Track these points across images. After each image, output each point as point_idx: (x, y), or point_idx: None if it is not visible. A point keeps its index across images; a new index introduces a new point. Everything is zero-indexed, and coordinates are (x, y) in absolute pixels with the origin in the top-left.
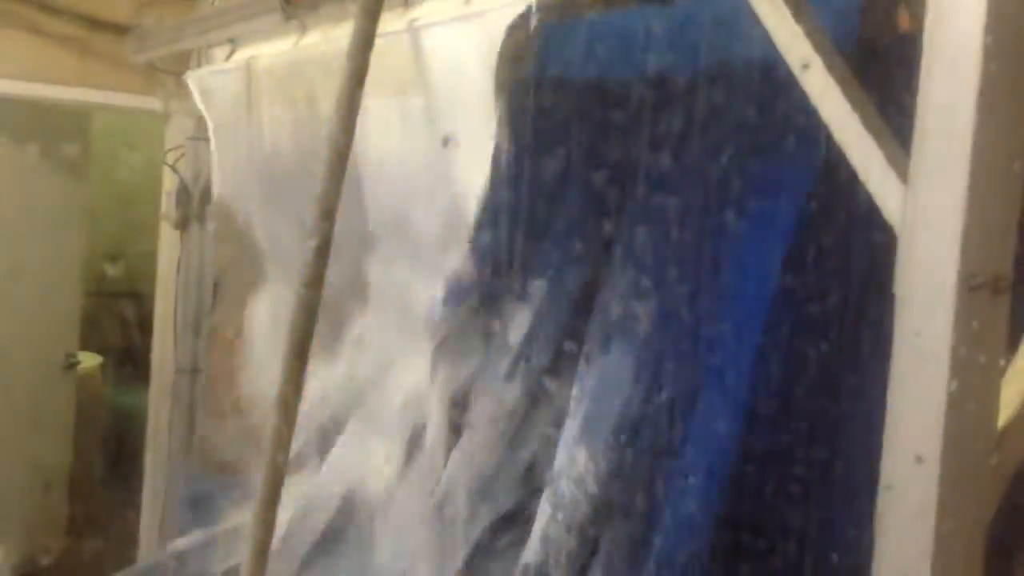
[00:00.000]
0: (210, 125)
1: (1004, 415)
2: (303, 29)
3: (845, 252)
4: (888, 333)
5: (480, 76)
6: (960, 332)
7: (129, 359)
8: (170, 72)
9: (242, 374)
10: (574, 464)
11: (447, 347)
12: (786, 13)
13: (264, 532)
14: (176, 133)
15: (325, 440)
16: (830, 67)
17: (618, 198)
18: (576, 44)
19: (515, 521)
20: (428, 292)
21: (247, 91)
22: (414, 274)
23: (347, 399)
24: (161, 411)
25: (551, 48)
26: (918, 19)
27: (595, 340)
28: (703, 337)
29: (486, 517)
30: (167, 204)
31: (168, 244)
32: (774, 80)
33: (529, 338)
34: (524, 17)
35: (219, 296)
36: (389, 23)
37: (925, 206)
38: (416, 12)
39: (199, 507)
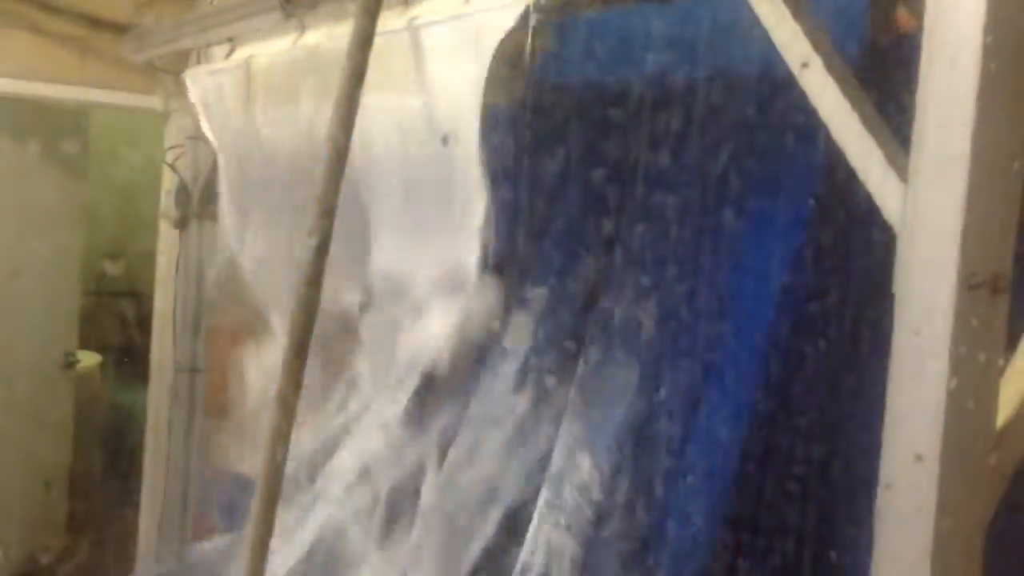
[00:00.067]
0: (204, 124)
1: (1003, 414)
2: (302, 28)
3: (853, 253)
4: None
5: (480, 75)
6: (959, 331)
7: (129, 358)
8: (169, 71)
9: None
10: (577, 470)
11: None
12: (785, 12)
13: (264, 531)
14: (176, 132)
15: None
16: (829, 66)
17: (619, 200)
18: (582, 46)
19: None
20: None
21: (245, 90)
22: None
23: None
24: (160, 410)
25: (559, 50)
26: (919, 17)
27: (596, 344)
28: (708, 341)
29: (493, 523)
30: (166, 203)
31: (167, 243)
32: (780, 81)
33: (536, 348)
34: (523, 17)
35: (218, 295)
36: (388, 22)
37: (925, 206)
38: (415, 11)
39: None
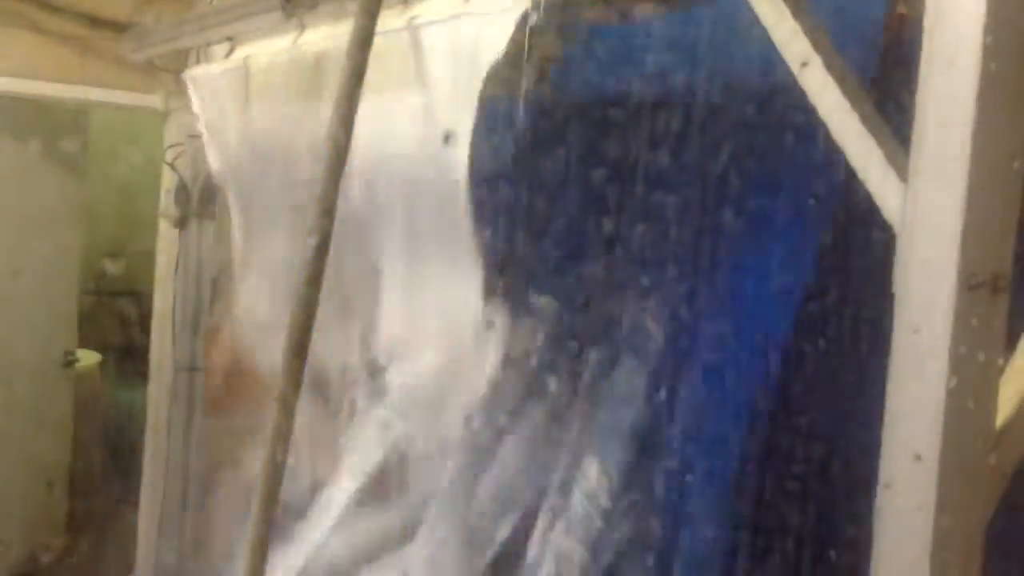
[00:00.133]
0: (202, 123)
1: (1003, 413)
2: (302, 27)
3: (873, 262)
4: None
5: (480, 74)
6: (959, 331)
7: (131, 357)
8: (169, 70)
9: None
10: (586, 478)
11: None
12: (785, 11)
13: (264, 531)
14: (175, 131)
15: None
16: (829, 65)
17: (628, 204)
18: (604, 59)
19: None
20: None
21: (244, 89)
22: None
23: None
24: (160, 409)
25: (581, 63)
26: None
27: (602, 352)
28: (718, 347)
29: (505, 532)
30: (166, 202)
31: (167, 242)
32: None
33: (543, 357)
34: (524, 17)
35: (218, 294)
36: (388, 21)
37: (925, 205)
38: (415, 10)
39: None
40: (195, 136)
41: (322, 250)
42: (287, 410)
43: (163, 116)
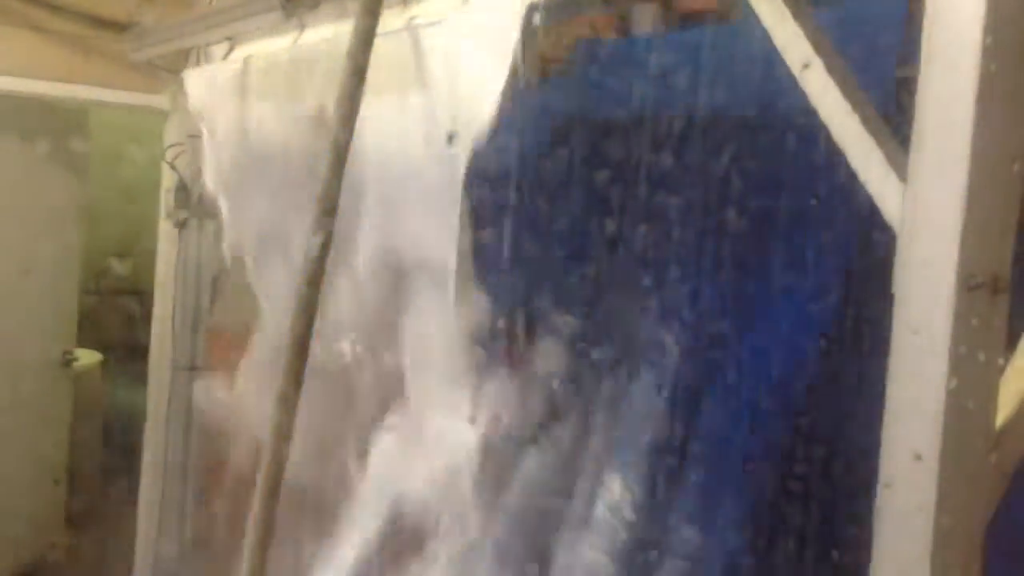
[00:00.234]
0: (202, 123)
1: (1003, 413)
2: (302, 27)
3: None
4: None
5: (481, 73)
6: (959, 331)
7: (136, 356)
8: (169, 70)
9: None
10: (609, 491)
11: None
12: (786, 13)
13: (264, 531)
14: (176, 130)
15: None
16: (830, 67)
17: (642, 217)
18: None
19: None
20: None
21: (243, 89)
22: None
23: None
24: (159, 409)
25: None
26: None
27: (620, 365)
28: (740, 362)
29: (533, 547)
30: (166, 201)
31: (167, 241)
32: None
33: (568, 372)
34: (528, 16)
35: (218, 293)
36: (389, 21)
37: (924, 206)
38: (415, 10)
39: None
40: (195, 136)
41: (324, 250)
42: (288, 409)
43: (165, 116)
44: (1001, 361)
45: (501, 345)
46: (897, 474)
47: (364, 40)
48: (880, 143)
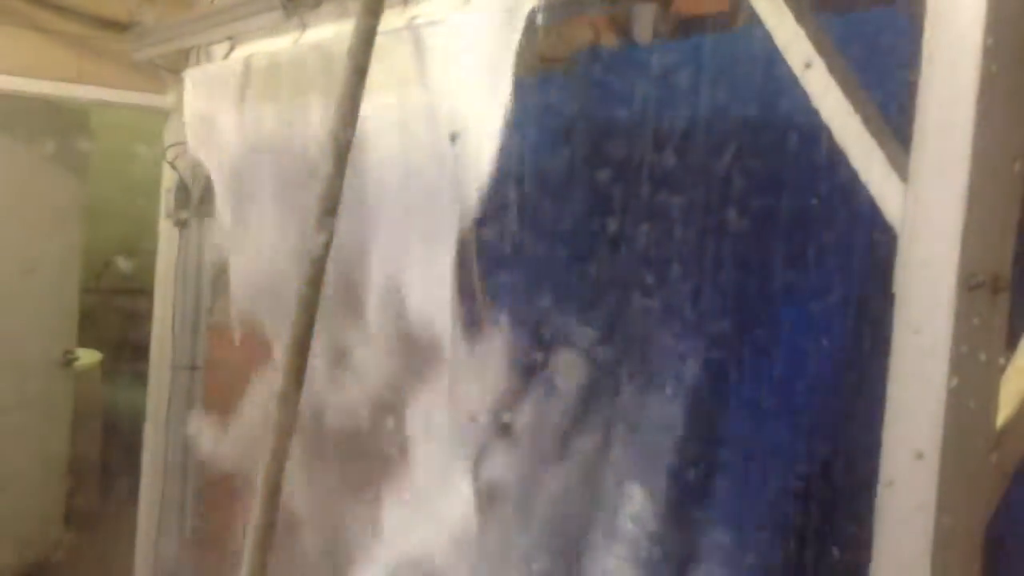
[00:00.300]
0: (199, 122)
1: (1003, 413)
2: (303, 27)
3: None
4: None
5: (482, 73)
6: (960, 331)
7: (135, 356)
8: (170, 70)
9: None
10: (631, 501)
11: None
12: (787, 13)
13: (264, 531)
14: (176, 130)
15: None
16: (832, 67)
17: (658, 228)
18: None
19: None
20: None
21: (243, 88)
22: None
23: None
24: (159, 408)
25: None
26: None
27: (640, 374)
28: (759, 372)
29: (556, 558)
30: (166, 201)
31: (167, 241)
32: None
33: (586, 384)
34: (529, 16)
35: (218, 293)
36: (390, 20)
37: (925, 206)
38: (416, 9)
39: None
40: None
41: (325, 249)
42: (288, 408)
43: (166, 115)
44: (1002, 361)
45: (519, 355)
46: (898, 473)
47: (365, 40)
48: (881, 143)
